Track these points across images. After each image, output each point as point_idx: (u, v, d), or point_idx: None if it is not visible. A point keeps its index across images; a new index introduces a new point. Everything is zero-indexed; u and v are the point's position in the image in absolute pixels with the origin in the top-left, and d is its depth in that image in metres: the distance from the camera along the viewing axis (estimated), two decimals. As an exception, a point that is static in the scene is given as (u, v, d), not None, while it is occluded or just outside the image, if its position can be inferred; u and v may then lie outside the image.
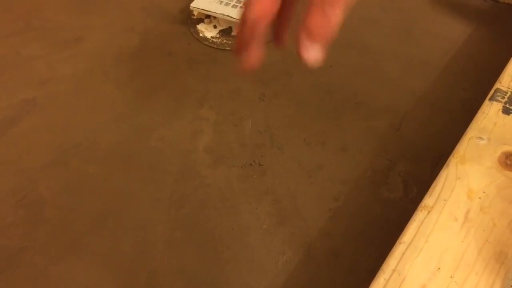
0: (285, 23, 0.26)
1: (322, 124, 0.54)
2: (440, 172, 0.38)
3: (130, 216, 0.45)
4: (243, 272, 0.41)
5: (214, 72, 0.60)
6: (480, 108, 0.43)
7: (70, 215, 0.45)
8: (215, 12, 0.63)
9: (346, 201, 0.46)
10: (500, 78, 0.46)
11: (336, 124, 0.54)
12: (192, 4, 0.65)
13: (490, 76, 0.48)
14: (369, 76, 0.60)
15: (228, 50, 0.63)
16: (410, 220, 0.35)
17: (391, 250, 0.34)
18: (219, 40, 0.65)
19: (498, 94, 0.44)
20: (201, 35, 0.66)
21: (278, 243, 0.43)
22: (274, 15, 0.22)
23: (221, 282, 0.40)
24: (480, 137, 0.40)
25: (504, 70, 0.47)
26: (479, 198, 0.36)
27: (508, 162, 0.38)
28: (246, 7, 0.22)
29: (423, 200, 0.37)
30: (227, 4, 0.64)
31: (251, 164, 0.49)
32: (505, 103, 0.43)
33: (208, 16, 0.68)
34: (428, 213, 0.35)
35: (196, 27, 0.67)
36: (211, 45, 0.64)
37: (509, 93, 0.44)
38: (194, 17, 0.69)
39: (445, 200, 0.36)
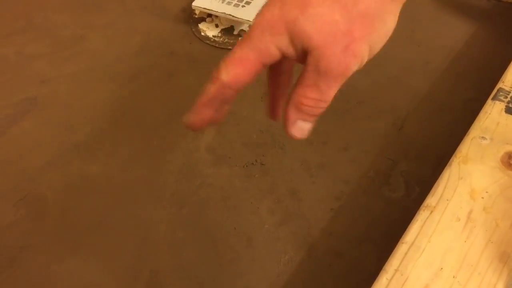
0: (280, 99, 0.25)
1: (324, 123, 0.54)
2: (443, 172, 0.38)
3: (132, 216, 0.45)
4: (244, 272, 0.41)
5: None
6: (483, 108, 0.43)
7: (71, 214, 0.45)
8: (217, 11, 0.63)
9: (348, 201, 0.46)
10: (503, 77, 0.45)
11: (338, 123, 0.54)
12: (194, 3, 0.65)
13: (492, 75, 0.48)
14: (372, 76, 0.59)
15: (230, 49, 0.63)
16: (412, 220, 0.35)
17: (394, 250, 0.34)
18: (221, 39, 0.65)
19: (501, 93, 0.44)
20: (202, 34, 0.66)
21: (280, 243, 0.43)
22: (244, 86, 0.21)
23: (223, 282, 0.40)
24: (482, 137, 0.40)
25: (507, 70, 0.46)
26: (482, 198, 0.36)
27: (511, 162, 0.38)
28: (222, 68, 0.21)
29: (425, 200, 0.36)
30: (229, 3, 0.64)
31: (253, 164, 0.49)
32: (508, 102, 0.43)
33: (209, 15, 0.68)
34: (430, 213, 0.35)
35: (197, 26, 0.67)
36: (213, 44, 0.64)
37: (512, 92, 0.44)
38: (196, 16, 0.68)
39: (447, 200, 0.36)
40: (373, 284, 0.32)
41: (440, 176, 0.38)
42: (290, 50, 0.20)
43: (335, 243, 0.43)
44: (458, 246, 0.33)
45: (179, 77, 0.60)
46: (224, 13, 0.63)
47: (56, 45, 0.65)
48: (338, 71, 0.19)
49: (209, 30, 0.66)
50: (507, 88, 0.44)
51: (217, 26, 0.67)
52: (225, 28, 0.67)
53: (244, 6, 0.63)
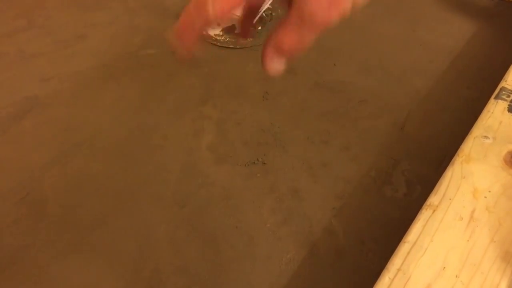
0: (251, 21, 0.27)
1: (325, 122, 0.54)
2: (446, 171, 0.38)
3: (133, 215, 0.45)
4: (246, 271, 0.41)
5: (217, 70, 0.60)
6: (485, 107, 0.43)
7: (72, 213, 0.45)
8: (218, 10, 0.63)
9: (350, 200, 0.46)
10: (506, 76, 0.45)
11: (340, 122, 0.53)
12: (195, 2, 0.65)
13: (495, 74, 0.48)
14: (373, 75, 0.59)
15: (231, 48, 0.63)
16: (415, 219, 0.35)
17: (396, 249, 0.34)
18: (222, 38, 0.65)
19: (504, 92, 0.44)
20: (204, 32, 0.66)
21: (281, 242, 0.43)
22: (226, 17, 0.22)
23: (224, 281, 0.40)
24: (485, 136, 0.40)
25: (509, 69, 0.46)
26: (485, 197, 0.36)
27: (514, 161, 0.38)
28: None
29: (428, 199, 0.36)
30: (230, 2, 0.63)
31: (254, 163, 0.49)
32: (511, 101, 0.43)
33: (211, 14, 0.68)
34: (433, 212, 0.35)
35: (199, 25, 0.67)
36: (214, 42, 0.64)
37: (514, 91, 0.44)
38: (197, 15, 0.68)
39: (450, 199, 0.36)
40: (376, 283, 0.32)
41: (443, 175, 0.38)
42: None
43: (337, 242, 0.43)
44: (460, 245, 0.33)
45: (180, 76, 0.60)
46: (226, 12, 0.62)
47: (57, 43, 0.65)
48: (322, 20, 0.20)
49: (210, 29, 0.66)
50: (509, 87, 0.44)
51: (218, 24, 0.67)
52: (226, 27, 0.66)
53: (246, 5, 0.63)
